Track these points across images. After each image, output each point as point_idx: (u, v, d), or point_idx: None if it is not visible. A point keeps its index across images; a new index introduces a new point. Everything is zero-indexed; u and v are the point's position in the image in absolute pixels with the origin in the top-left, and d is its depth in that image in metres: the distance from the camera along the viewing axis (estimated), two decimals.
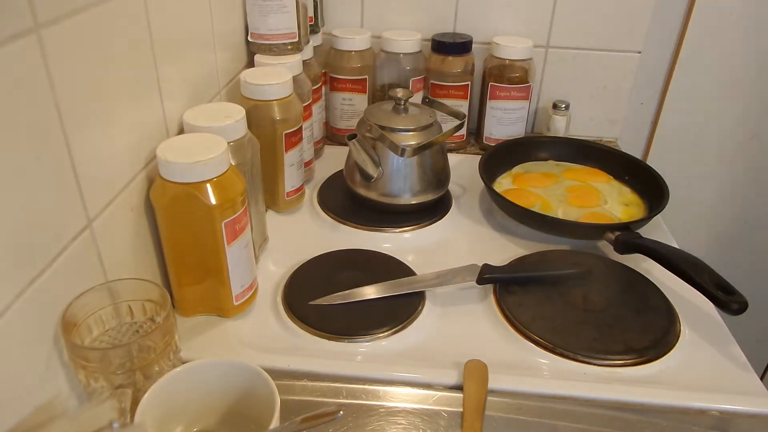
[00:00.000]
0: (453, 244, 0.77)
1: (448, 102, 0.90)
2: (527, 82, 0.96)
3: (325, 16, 0.98)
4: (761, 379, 0.57)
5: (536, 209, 0.78)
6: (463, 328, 0.63)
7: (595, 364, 0.57)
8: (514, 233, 0.78)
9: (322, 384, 0.55)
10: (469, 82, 0.97)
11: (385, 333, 0.60)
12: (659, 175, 0.82)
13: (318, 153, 0.95)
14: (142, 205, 0.57)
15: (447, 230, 0.79)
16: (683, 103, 1.11)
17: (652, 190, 0.82)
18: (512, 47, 0.94)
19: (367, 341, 0.60)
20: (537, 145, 0.95)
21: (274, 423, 0.42)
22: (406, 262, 0.71)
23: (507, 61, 0.95)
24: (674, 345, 0.60)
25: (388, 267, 0.70)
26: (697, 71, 1.08)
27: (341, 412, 0.47)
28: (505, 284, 0.67)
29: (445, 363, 0.57)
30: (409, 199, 0.79)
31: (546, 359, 0.58)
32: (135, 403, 0.43)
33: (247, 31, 0.83)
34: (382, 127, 0.76)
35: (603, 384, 0.56)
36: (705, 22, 1.04)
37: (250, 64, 0.83)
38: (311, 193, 0.85)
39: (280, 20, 0.80)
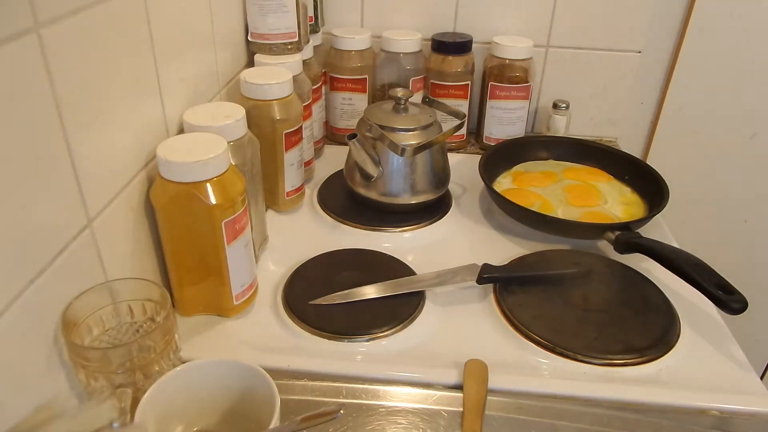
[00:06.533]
0: (453, 244, 0.77)
1: (448, 102, 0.90)
2: (527, 82, 0.96)
3: (325, 15, 0.98)
4: (761, 379, 0.57)
5: (536, 209, 0.78)
6: (463, 327, 0.63)
7: (595, 364, 0.57)
8: (514, 233, 0.78)
9: (322, 383, 0.55)
10: (469, 82, 0.97)
11: (385, 333, 0.60)
12: (659, 175, 0.82)
13: (318, 153, 0.95)
14: (142, 205, 0.57)
15: (447, 230, 0.79)
16: (683, 103, 1.11)
17: (652, 190, 0.82)
18: (512, 47, 0.94)
19: (367, 341, 0.60)
20: (537, 145, 0.95)
21: (274, 422, 0.42)
22: (406, 262, 0.71)
23: (507, 61, 0.95)
24: (674, 345, 0.60)
25: (388, 267, 0.70)
26: (697, 71, 1.08)
27: (341, 412, 0.47)
28: (505, 284, 0.67)
29: (445, 363, 0.57)
30: (409, 198, 0.79)
31: (546, 359, 0.58)
32: (135, 402, 0.43)
33: (247, 31, 0.83)
34: (382, 127, 0.76)
35: (603, 384, 0.56)
36: (705, 22, 1.04)
37: (250, 63, 0.83)
38: (311, 192, 0.85)
39: (280, 20, 0.80)
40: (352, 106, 0.98)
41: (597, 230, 0.74)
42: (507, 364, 0.57)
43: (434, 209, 0.82)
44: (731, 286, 0.60)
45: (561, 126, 1.00)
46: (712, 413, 0.53)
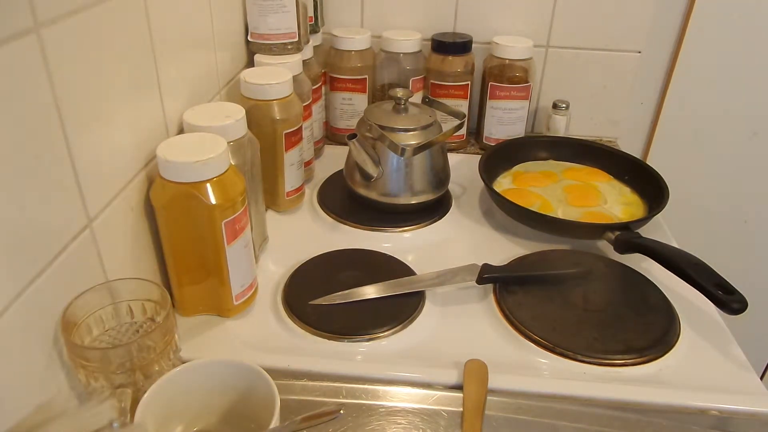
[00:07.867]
0: (453, 244, 0.77)
1: (448, 102, 0.90)
2: (527, 82, 0.96)
3: (325, 15, 0.98)
4: (761, 379, 0.57)
5: (536, 209, 0.78)
6: (463, 327, 0.63)
7: (595, 364, 0.57)
8: (514, 233, 0.78)
9: (322, 384, 0.55)
10: (469, 82, 0.97)
11: (385, 333, 0.60)
12: (659, 175, 0.82)
13: (318, 153, 0.95)
14: (142, 205, 0.57)
15: (447, 230, 0.79)
16: (683, 103, 1.11)
17: (652, 190, 0.82)
18: (512, 47, 0.94)
19: (367, 341, 0.60)
20: (537, 145, 0.95)
21: (274, 422, 0.42)
22: (406, 262, 0.71)
23: (507, 61, 0.95)
24: (674, 345, 0.60)
25: (388, 267, 0.70)
26: (697, 71, 1.08)
27: (341, 411, 0.47)
28: (505, 284, 0.67)
29: (445, 363, 0.57)
30: (409, 198, 0.79)
31: (546, 359, 0.58)
32: (135, 402, 0.43)
33: (247, 31, 0.83)
34: (382, 127, 0.75)
35: (603, 384, 0.56)
36: (705, 23, 1.04)
37: (250, 63, 0.83)
38: (311, 192, 0.85)
39: (280, 20, 0.80)
40: (352, 106, 0.98)
41: (597, 230, 0.74)
42: (507, 364, 0.57)
43: (434, 209, 0.82)
44: (731, 286, 0.60)
45: (561, 126, 1.00)
46: (712, 413, 0.53)
